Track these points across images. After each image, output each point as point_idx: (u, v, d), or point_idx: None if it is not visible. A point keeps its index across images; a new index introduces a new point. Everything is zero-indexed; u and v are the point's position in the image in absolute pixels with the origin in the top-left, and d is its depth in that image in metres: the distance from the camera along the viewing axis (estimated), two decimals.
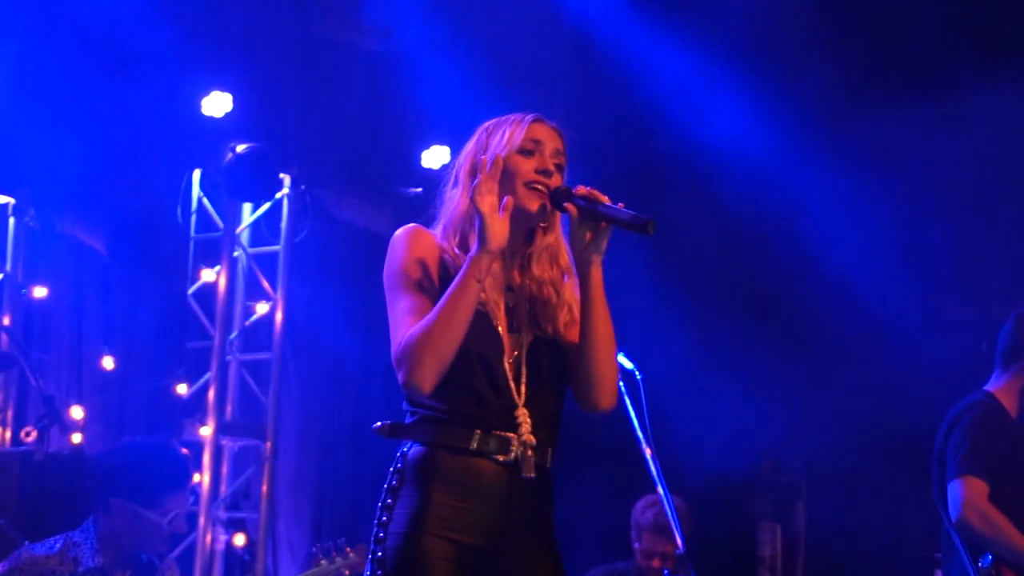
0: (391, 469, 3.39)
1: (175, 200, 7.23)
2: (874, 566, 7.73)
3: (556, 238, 3.50)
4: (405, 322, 3.31)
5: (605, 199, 3.37)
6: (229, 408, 7.36)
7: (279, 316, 7.36)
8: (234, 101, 6.82)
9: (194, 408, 7.15)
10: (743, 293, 8.03)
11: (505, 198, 3.33)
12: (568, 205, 3.38)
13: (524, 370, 3.41)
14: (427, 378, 3.26)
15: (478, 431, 3.35)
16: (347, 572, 5.33)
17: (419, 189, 7.05)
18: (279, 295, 7.38)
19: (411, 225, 3.46)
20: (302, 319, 7.63)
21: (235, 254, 7.33)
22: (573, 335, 3.48)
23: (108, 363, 7.13)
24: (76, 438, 6.76)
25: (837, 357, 7.83)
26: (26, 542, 5.15)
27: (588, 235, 3.40)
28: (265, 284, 7.40)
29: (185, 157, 7.09)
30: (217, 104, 6.81)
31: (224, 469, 7.34)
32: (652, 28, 7.31)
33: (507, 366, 3.40)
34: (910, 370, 7.09)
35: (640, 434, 4.18)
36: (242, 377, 7.43)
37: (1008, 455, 5.20)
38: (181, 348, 7.34)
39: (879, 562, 7.64)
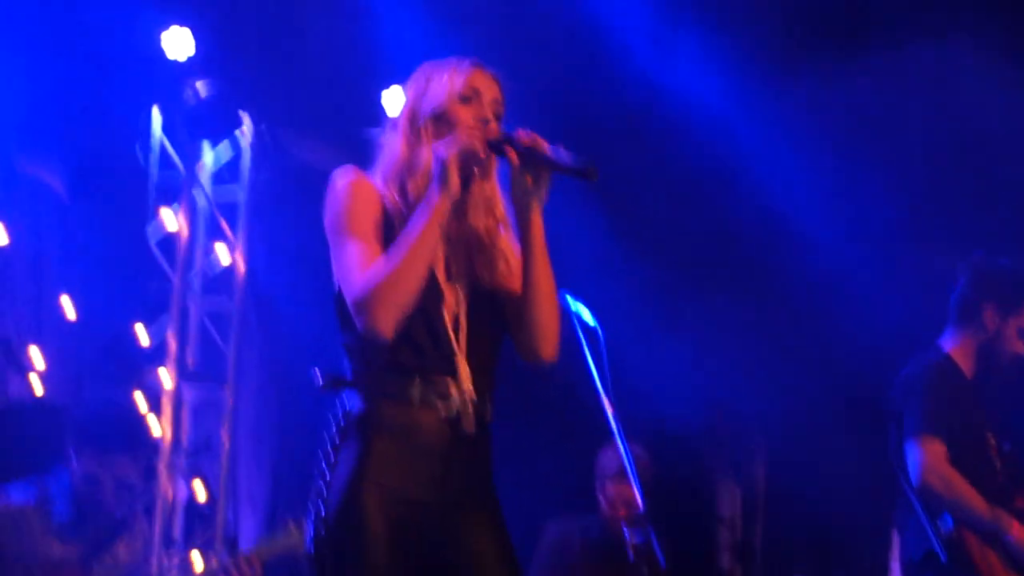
0: (332, 422, 3.33)
1: (135, 139, 7.13)
2: (833, 526, 7.77)
3: (492, 187, 3.45)
4: (357, 267, 3.25)
5: (545, 145, 3.30)
6: (190, 358, 7.25)
7: (240, 261, 7.27)
8: (195, 39, 6.72)
9: (155, 355, 7.06)
10: (699, 246, 8.01)
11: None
12: (508, 150, 3.32)
13: (463, 320, 3.37)
14: (390, 323, 3.23)
15: (417, 379, 3.29)
16: None
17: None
18: (240, 238, 7.29)
19: (349, 168, 3.39)
20: (262, 263, 7.55)
21: (195, 196, 7.23)
22: (510, 285, 3.44)
23: (67, 305, 7.03)
24: (36, 385, 6.68)
25: (795, 314, 7.84)
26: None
27: (528, 181, 3.33)
28: (225, 226, 7.30)
29: (145, 96, 6.99)
30: (177, 41, 6.68)
31: (184, 416, 7.26)
32: None
33: (447, 316, 3.35)
34: (867, 326, 7.09)
35: (600, 388, 4.15)
36: (203, 323, 7.34)
37: (964, 416, 5.20)
38: (142, 290, 7.25)
39: (838, 522, 7.68)
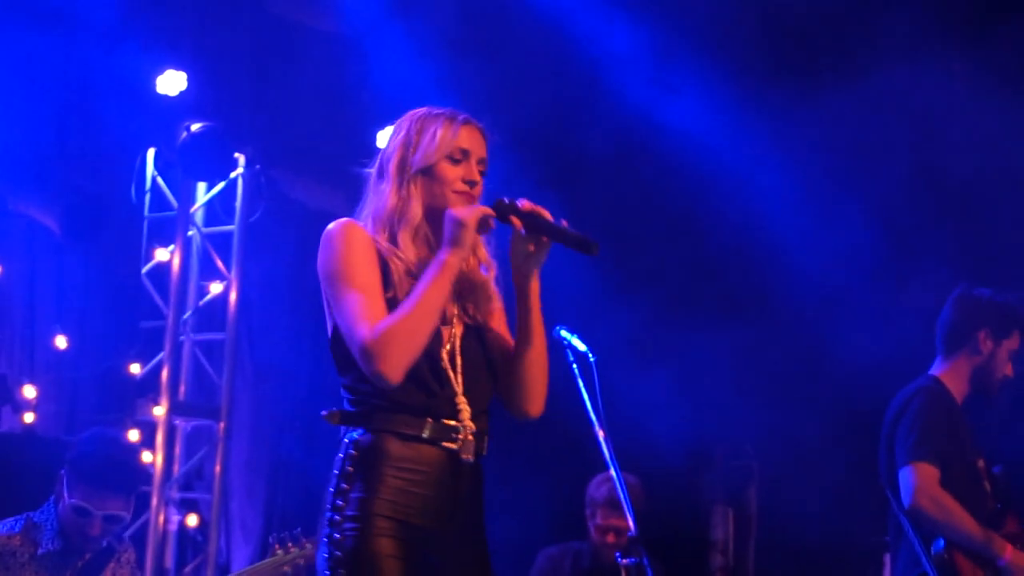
0: (341, 456, 3.47)
1: (129, 179, 7.19)
2: (825, 549, 7.77)
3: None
4: (364, 316, 3.38)
5: (547, 215, 3.49)
6: (182, 388, 7.34)
7: (233, 296, 7.35)
8: (188, 80, 6.80)
9: (147, 388, 7.12)
10: (688, 274, 8.04)
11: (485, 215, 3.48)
12: (514, 219, 3.49)
13: (459, 359, 3.53)
14: (399, 370, 3.36)
15: (429, 419, 3.45)
16: (302, 562, 5.33)
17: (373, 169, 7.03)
18: (233, 275, 7.37)
19: (344, 220, 3.53)
20: (256, 299, 7.61)
21: (189, 233, 7.31)
22: (495, 322, 3.62)
23: (61, 342, 7.09)
24: (28, 417, 6.73)
25: (786, 339, 7.86)
26: None
27: (530, 248, 3.51)
28: (219, 264, 7.38)
29: (139, 136, 7.06)
30: (171, 82, 6.77)
31: (177, 449, 7.32)
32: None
33: (445, 356, 3.51)
34: (856, 350, 7.13)
35: (593, 416, 4.20)
36: (196, 357, 7.41)
37: (955, 440, 5.23)
38: (135, 328, 7.31)
39: (830, 545, 7.69)
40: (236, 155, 7.25)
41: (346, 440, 3.47)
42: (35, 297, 7.20)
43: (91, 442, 5.07)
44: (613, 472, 4.25)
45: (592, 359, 4.17)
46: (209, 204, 7.48)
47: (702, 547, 8.67)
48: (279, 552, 5.31)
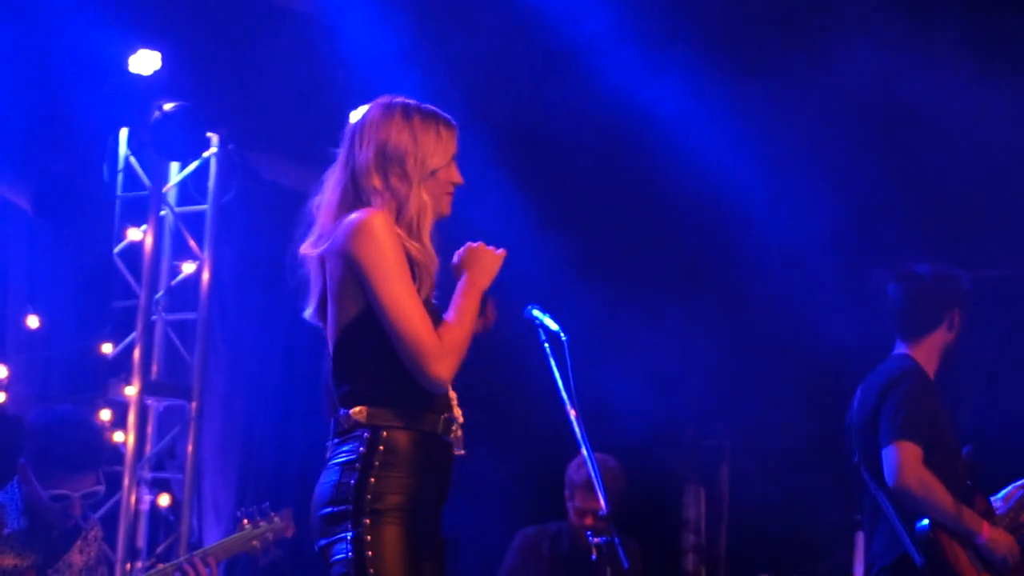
0: (363, 451, 3.59)
1: (102, 159, 7.17)
2: (797, 528, 7.82)
3: None
4: (423, 319, 3.59)
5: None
6: (155, 368, 7.33)
7: (206, 276, 7.35)
8: (162, 59, 6.78)
9: (119, 367, 7.11)
10: (662, 256, 8.07)
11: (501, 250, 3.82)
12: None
13: None
14: (452, 376, 3.64)
15: (442, 416, 3.69)
16: (271, 536, 5.34)
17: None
18: (206, 255, 7.36)
19: (379, 212, 3.67)
20: (229, 279, 7.60)
21: (162, 213, 7.30)
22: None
23: (33, 322, 7.07)
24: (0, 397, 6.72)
25: (759, 319, 7.90)
26: None
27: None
28: (192, 244, 7.37)
29: (112, 115, 7.03)
30: (145, 62, 6.75)
31: (149, 429, 7.31)
32: None
33: None
34: (829, 330, 7.16)
35: (564, 395, 4.22)
36: (168, 337, 7.40)
37: (935, 419, 5.25)
38: (107, 307, 7.29)
39: (802, 524, 7.73)
40: (209, 135, 7.24)
41: (367, 435, 3.60)
42: (7, 276, 7.17)
43: (49, 431, 5.01)
44: (585, 452, 4.27)
45: (564, 339, 4.19)
46: (182, 184, 7.46)
47: (675, 526, 8.72)
48: (247, 526, 5.33)
